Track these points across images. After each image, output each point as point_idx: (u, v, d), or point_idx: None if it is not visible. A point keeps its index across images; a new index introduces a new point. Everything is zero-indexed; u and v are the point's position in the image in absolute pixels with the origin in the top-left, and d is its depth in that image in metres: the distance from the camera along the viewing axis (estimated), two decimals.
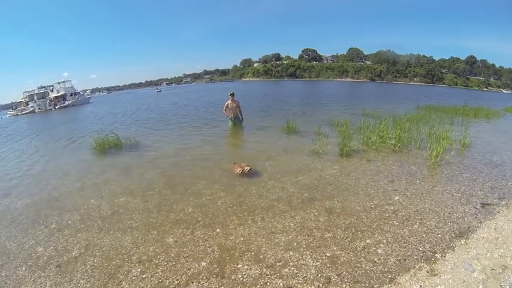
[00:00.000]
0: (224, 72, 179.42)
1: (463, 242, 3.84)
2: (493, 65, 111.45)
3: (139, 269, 3.67)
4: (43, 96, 47.17)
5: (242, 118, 11.91)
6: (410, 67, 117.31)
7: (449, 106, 17.99)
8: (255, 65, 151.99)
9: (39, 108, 44.04)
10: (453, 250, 3.68)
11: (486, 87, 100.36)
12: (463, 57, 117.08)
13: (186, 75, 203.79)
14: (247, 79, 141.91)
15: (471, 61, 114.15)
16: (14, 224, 4.99)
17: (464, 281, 3.10)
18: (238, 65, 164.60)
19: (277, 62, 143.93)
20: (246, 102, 20.64)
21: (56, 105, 45.91)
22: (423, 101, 22.11)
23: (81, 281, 3.51)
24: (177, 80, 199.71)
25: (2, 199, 6.30)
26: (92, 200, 5.81)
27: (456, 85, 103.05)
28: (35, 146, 12.00)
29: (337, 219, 4.64)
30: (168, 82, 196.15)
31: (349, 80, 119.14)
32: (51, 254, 4.09)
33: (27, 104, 45.70)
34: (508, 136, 10.13)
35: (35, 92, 47.45)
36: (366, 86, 73.61)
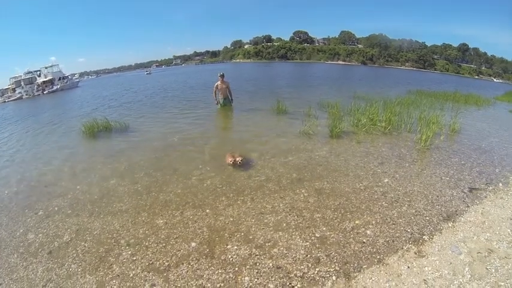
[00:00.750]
0: (214, 54, 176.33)
1: (450, 225, 3.88)
2: (485, 53, 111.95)
3: (129, 252, 3.66)
4: (30, 81, 45.67)
5: (232, 99, 11.75)
6: (403, 52, 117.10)
7: (440, 92, 18.06)
8: (246, 46, 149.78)
9: (26, 94, 42.70)
10: (440, 232, 3.73)
11: (477, 75, 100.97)
12: (455, 44, 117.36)
13: (176, 57, 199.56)
14: (237, 60, 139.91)
15: (463, 48, 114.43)
16: (4, 213, 4.88)
17: (451, 263, 3.14)
18: (228, 46, 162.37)
19: (268, 44, 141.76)
20: (237, 84, 20.35)
21: (44, 90, 44.54)
22: (414, 86, 22.16)
23: (72, 266, 3.49)
24: (167, 62, 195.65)
25: None
26: (81, 184, 5.70)
27: (447, 71, 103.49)
28: (22, 132, 11.54)
29: (326, 200, 4.65)
30: (158, 64, 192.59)
31: (341, 62, 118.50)
32: (42, 240, 4.04)
33: (14, 90, 44.11)
34: (497, 124, 10.21)
35: (22, 77, 45.83)
36: (357, 69, 73.33)
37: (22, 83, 44.71)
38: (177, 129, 9.60)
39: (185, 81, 33.69)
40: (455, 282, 2.87)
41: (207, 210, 4.51)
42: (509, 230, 3.67)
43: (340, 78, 35.79)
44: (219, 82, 11.14)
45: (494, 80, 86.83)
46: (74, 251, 3.75)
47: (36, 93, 43.40)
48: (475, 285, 2.82)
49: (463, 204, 4.40)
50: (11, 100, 40.17)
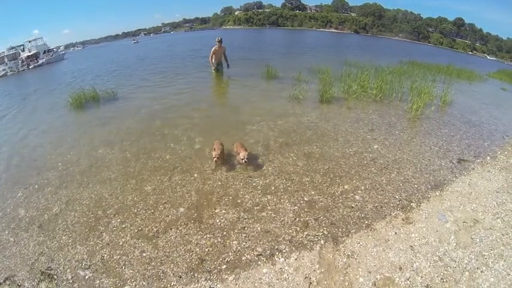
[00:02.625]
0: (204, 21, 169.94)
1: (437, 194, 3.91)
2: (481, 30, 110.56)
3: (118, 220, 3.62)
4: (14, 57, 43.16)
5: (228, 64, 11.43)
6: (397, 22, 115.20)
7: (433, 64, 17.86)
8: (236, 13, 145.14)
9: (11, 71, 40.33)
10: (428, 201, 3.76)
11: (471, 51, 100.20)
12: (451, 19, 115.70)
13: (164, 25, 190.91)
14: (228, 27, 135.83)
15: (459, 23, 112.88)
16: None
17: (437, 231, 3.18)
18: (218, 13, 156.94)
19: (259, 10, 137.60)
20: (228, 51, 19.82)
21: (29, 65, 42.29)
22: (407, 57, 21.87)
23: (63, 237, 3.44)
24: (156, 30, 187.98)
25: None
26: (70, 156, 5.54)
27: (441, 45, 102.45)
28: (7, 108, 10.88)
29: (315, 164, 4.63)
30: (146, 32, 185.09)
31: (333, 30, 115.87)
32: (32, 214, 3.94)
33: None
34: (488, 100, 10.15)
35: (5, 54, 43.26)
36: (349, 37, 71.99)
37: (5, 60, 42.29)
38: (165, 95, 9.37)
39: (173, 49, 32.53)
40: (440, 250, 2.91)
41: (195, 175, 4.46)
42: (495, 203, 3.71)
43: (332, 46, 35.12)
44: (216, 47, 10.72)
45: (488, 57, 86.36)
46: (64, 223, 3.69)
47: (21, 69, 41.29)
48: (460, 254, 2.86)
49: (451, 175, 4.42)
50: None
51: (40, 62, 44.14)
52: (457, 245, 2.96)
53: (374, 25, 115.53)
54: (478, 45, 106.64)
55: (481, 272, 2.65)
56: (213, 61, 11.13)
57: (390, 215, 3.46)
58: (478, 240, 3.04)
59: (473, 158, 5.05)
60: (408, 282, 2.57)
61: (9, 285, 2.90)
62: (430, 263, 2.76)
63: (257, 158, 4.81)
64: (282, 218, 3.43)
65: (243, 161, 4.31)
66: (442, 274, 2.64)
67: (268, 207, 3.63)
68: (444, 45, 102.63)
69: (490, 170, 4.61)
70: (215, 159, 4.39)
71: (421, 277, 2.61)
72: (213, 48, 10.82)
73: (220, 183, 4.21)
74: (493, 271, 2.66)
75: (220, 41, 10.61)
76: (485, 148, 5.53)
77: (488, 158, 5.09)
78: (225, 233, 3.27)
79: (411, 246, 2.95)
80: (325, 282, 2.60)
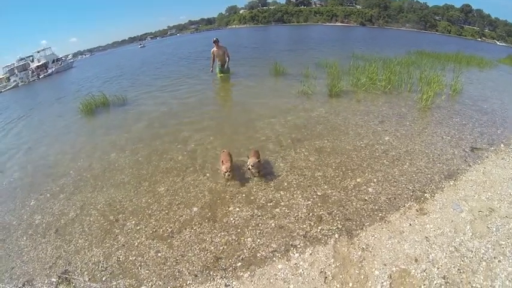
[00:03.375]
0: (210, 21, 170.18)
1: (451, 183, 3.86)
2: (489, 15, 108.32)
3: (133, 222, 3.67)
4: (24, 68, 43.93)
5: (228, 63, 10.83)
6: (403, 12, 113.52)
7: (441, 53, 17.57)
8: (241, 11, 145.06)
9: (22, 82, 40.83)
10: (442, 191, 3.72)
11: (480, 38, 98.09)
12: (458, 5, 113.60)
13: (170, 27, 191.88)
14: (233, 26, 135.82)
15: (466, 10, 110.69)
16: (10, 199, 4.78)
17: (452, 221, 3.14)
18: (223, 13, 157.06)
19: (264, 8, 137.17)
20: (233, 51, 19.80)
21: (39, 75, 42.71)
22: (414, 47, 21.53)
23: (79, 241, 3.50)
24: (162, 33, 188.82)
25: None
26: (83, 161, 5.62)
27: (449, 33, 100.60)
28: (19, 118, 11.01)
29: (327, 158, 4.63)
30: (152, 36, 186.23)
31: (339, 24, 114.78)
32: (48, 220, 4.01)
33: (8, 79, 42.30)
34: (500, 86, 9.97)
35: (15, 65, 44.08)
36: (356, 30, 71.13)
37: (16, 71, 43.16)
38: (175, 97, 9.41)
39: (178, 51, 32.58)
40: (456, 240, 2.88)
41: (208, 174, 4.49)
42: (510, 191, 3.64)
43: (339, 40, 34.76)
44: (214, 48, 10.44)
45: (498, 43, 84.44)
46: (80, 227, 3.75)
47: (31, 79, 41.75)
48: (476, 243, 2.82)
49: (464, 163, 4.36)
50: (8, 89, 38.78)
51: (49, 71, 44.82)
52: (473, 235, 2.93)
53: (380, 16, 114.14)
54: (487, 31, 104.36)
55: (499, 261, 2.62)
56: (216, 63, 10.86)
57: (404, 206, 3.44)
58: (494, 229, 3.00)
59: (486, 146, 4.97)
60: (424, 273, 2.55)
61: None
62: (446, 253, 2.73)
63: (269, 155, 4.83)
64: (295, 214, 3.44)
65: (249, 166, 4.05)
66: (458, 265, 2.61)
67: (282, 203, 3.64)
68: (452, 33, 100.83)
69: (505, 158, 4.54)
70: (227, 173, 4.05)
71: (438, 268, 2.59)
72: (212, 50, 10.58)
73: (233, 181, 4.22)
74: (510, 260, 2.62)
75: (216, 41, 10.33)
76: (499, 135, 5.43)
77: (502, 145, 5.00)
78: (239, 230, 3.29)
79: (426, 238, 2.93)
80: (341, 276, 2.61)
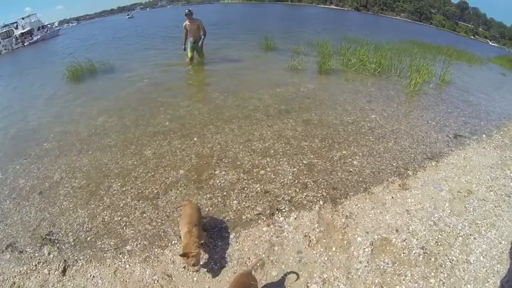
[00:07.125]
0: None
1: (433, 164, 3.97)
2: (484, 14, 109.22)
3: (119, 183, 3.64)
4: (8, 35, 41.79)
5: (203, 40, 8.75)
6: (399, 1, 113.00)
7: (433, 44, 17.69)
8: None
9: (5, 49, 39.05)
10: (424, 169, 3.82)
11: (473, 36, 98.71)
12: (455, 1, 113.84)
13: None
14: (226, 1, 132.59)
15: (463, 6, 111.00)
16: None
17: (432, 198, 3.25)
18: None
19: None
20: (225, 26, 19.35)
21: (23, 42, 41.08)
22: (408, 36, 21.54)
23: (64, 203, 3.46)
24: (152, 4, 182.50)
25: None
26: (69, 126, 5.48)
27: (443, 27, 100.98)
28: (5, 84, 10.68)
29: (314, 129, 4.68)
30: (142, 7, 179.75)
31: (333, 7, 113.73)
32: (32, 183, 3.93)
33: None
34: (487, 82, 10.18)
35: None
36: (350, 14, 70.48)
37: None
38: (163, 64, 9.24)
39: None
40: (435, 215, 2.98)
41: (195, 139, 4.48)
42: (488, 177, 3.76)
43: (334, 23, 34.39)
44: (187, 22, 8.44)
45: (490, 42, 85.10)
46: (64, 189, 3.70)
47: (15, 47, 40.14)
48: (454, 220, 2.93)
49: (446, 148, 4.48)
50: None
51: (35, 38, 43.11)
52: (451, 212, 3.04)
53: (376, 3, 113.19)
54: (480, 30, 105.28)
55: (474, 238, 2.73)
56: (188, 39, 8.78)
57: (387, 180, 3.52)
58: (471, 209, 3.11)
59: (469, 134, 5.08)
60: (404, 243, 2.64)
61: (11, 251, 2.92)
62: (425, 226, 2.83)
63: (256, 123, 4.86)
64: (281, 180, 3.47)
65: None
66: (436, 238, 2.71)
67: (268, 169, 3.67)
68: (446, 28, 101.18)
69: (485, 147, 4.66)
70: (195, 267, 2.30)
71: (417, 239, 2.68)
72: (184, 24, 8.55)
73: (219, 146, 4.24)
74: (485, 239, 2.73)
75: (188, 14, 8.39)
76: (482, 127, 5.55)
77: (484, 136, 5.12)
78: (225, 193, 3.31)
79: (407, 211, 3.02)
80: (324, 241, 2.67)
